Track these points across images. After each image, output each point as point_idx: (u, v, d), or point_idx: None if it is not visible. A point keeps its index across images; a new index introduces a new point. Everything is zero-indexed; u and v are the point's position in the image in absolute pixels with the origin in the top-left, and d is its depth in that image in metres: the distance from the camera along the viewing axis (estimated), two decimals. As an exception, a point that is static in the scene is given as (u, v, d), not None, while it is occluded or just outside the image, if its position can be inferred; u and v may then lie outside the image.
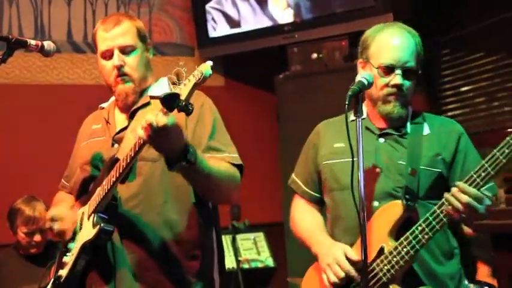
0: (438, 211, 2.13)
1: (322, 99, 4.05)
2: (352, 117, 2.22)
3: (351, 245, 2.27)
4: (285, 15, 4.54)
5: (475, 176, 2.08)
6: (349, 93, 2.06)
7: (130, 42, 2.31)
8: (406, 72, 2.26)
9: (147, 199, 2.22)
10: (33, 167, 4.17)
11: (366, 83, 2.12)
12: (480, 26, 4.23)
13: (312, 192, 2.50)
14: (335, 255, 2.24)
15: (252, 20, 4.65)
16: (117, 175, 2.10)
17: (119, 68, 2.28)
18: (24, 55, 4.34)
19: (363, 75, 2.16)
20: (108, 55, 2.31)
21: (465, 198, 2.06)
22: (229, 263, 4.14)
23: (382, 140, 2.32)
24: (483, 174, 2.07)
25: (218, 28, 4.73)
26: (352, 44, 4.03)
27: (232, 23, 4.70)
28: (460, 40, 4.46)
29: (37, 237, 3.55)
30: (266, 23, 4.61)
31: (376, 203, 2.25)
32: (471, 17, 4.29)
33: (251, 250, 4.34)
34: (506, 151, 2.06)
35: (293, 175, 2.58)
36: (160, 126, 1.91)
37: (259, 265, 4.29)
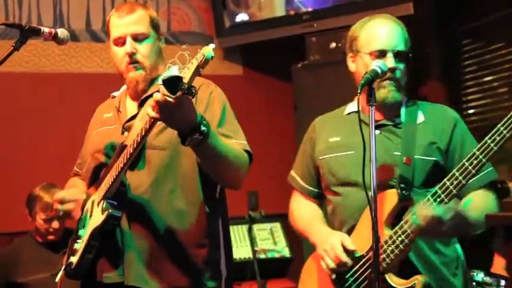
0: (431, 199, 2.12)
1: (340, 89, 3.96)
2: (347, 110, 2.33)
3: (348, 233, 2.28)
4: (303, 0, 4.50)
5: (467, 164, 2.09)
6: (362, 81, 2.06)
7: (143, 30, 2.32)
8: (398, 56, 2.29)
9: (155, 187, 2.23)
10: (53, 155, 4.19)
11: (379, 71, 2.11)
12: (502, 15, 4.15)
13: (310, 188, 2.52)
14: (331, 242, 2.25)
15: (271, 5, 4.60)
16: (125, 161, 2.11)
17: (131, 55, 2.29)
18: (43, 44, 4.36)
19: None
20: (120, 42, 2.32)
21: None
22: (246, 253, 4.15)
23: (377, 131, 2.30)
24: (475, 162, 2.08)
25: (238, 14, 4.70)
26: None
27: (253, 6, 4.67)
28: (481, 29, 4.38)
29: (55, 224, 3.59)
30: (284, 8, 4.56)
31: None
32: (493, 6, 4.21)
33: (267, 240, 4.33)
34: (498, 138, 2.05)
35: (292, 171, 2.61)
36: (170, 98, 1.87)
37: (276, 255, 4.27)
